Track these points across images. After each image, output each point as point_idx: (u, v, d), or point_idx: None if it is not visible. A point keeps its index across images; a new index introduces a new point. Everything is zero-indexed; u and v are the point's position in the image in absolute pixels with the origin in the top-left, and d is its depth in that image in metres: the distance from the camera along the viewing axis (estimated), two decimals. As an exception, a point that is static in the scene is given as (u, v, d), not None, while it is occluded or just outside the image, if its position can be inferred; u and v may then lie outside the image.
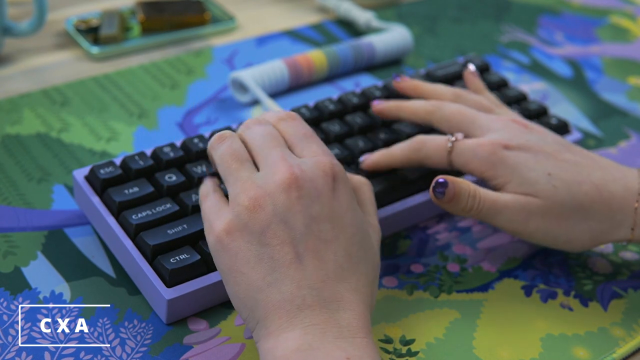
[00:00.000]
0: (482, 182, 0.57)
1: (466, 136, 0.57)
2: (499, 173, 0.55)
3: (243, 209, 0.46)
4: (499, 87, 0.71)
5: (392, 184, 0.59)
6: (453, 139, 0.56)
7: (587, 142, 0.72)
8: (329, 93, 0.75)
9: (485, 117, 0.58)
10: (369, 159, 0.59)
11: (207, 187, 0.51)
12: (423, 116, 0.60)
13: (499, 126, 0.57)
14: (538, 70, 0.81)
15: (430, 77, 0.70)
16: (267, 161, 0.48)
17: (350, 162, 0.61)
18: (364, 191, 0.53)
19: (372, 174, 0.59)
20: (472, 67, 0.66)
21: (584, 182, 0.54)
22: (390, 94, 0.67)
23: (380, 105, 0.62)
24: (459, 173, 0.59)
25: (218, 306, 0.53)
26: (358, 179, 0.54)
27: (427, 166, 0.58)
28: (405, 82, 0.64)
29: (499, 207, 0.54)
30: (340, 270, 0.46)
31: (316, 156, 0.49)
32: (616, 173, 0.55)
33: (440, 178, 0.53)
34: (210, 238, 0.47)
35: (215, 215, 0.48)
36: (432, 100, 0.61)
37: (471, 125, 0.58)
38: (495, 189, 0.55)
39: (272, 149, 0.49)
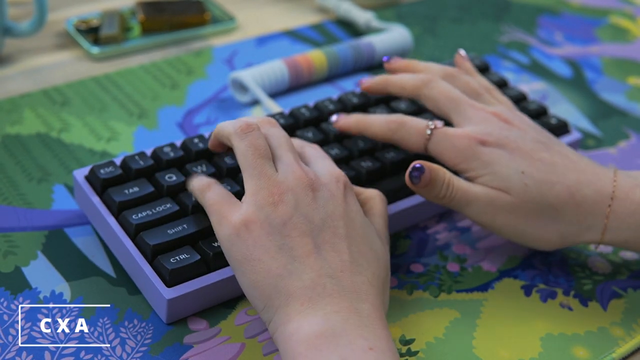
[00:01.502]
0: (456, 172, 0.57)
1: (446, 122, 0.58)
2: (471, 166, 0.55)
3: (266, 203, 0.47)
4: (498, 87, 0.71)
5: (392, 184, 0.59)
6: (432, 126, 0.56)
7: (586, 142, 0.72)
8: (329, 93, 0.75)
9: (470, 105, 0.57)
10: (343, 120, 0.60)
11: (203, 180, 0.51)
12: (411, 91, 0.59)
13: (479, 119, 0.56)
14: (538, 70, 0.81)
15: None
16: (284, 161, 0.50)
17: (350, 162, 0.61)
18: (376, 203, 0.54)
19: (374, 179, 0.59)
20: (462, 51, 0.65)
21: (557, 183, 0.54)
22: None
23: (367, 84, 0.61)
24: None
25: (218, 306, 0.53)
26: (371, 191, 0.55)
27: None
28: (397, 62, 0.62)
29: (469, 198, 0.54)
30: (356, 264, 0.47)
31: (327, 167, 0.52)
32: (591, 176, 0.55)
33: (417, 163, 0.54)
34: (224, 229, 0.48)
35: (229, 206, 0.49)
36: (422, 74, 0.59)
37: (454, 110, 0.57)
38: (469, 181, 0.56)
39: (288, 151, 0.51)
